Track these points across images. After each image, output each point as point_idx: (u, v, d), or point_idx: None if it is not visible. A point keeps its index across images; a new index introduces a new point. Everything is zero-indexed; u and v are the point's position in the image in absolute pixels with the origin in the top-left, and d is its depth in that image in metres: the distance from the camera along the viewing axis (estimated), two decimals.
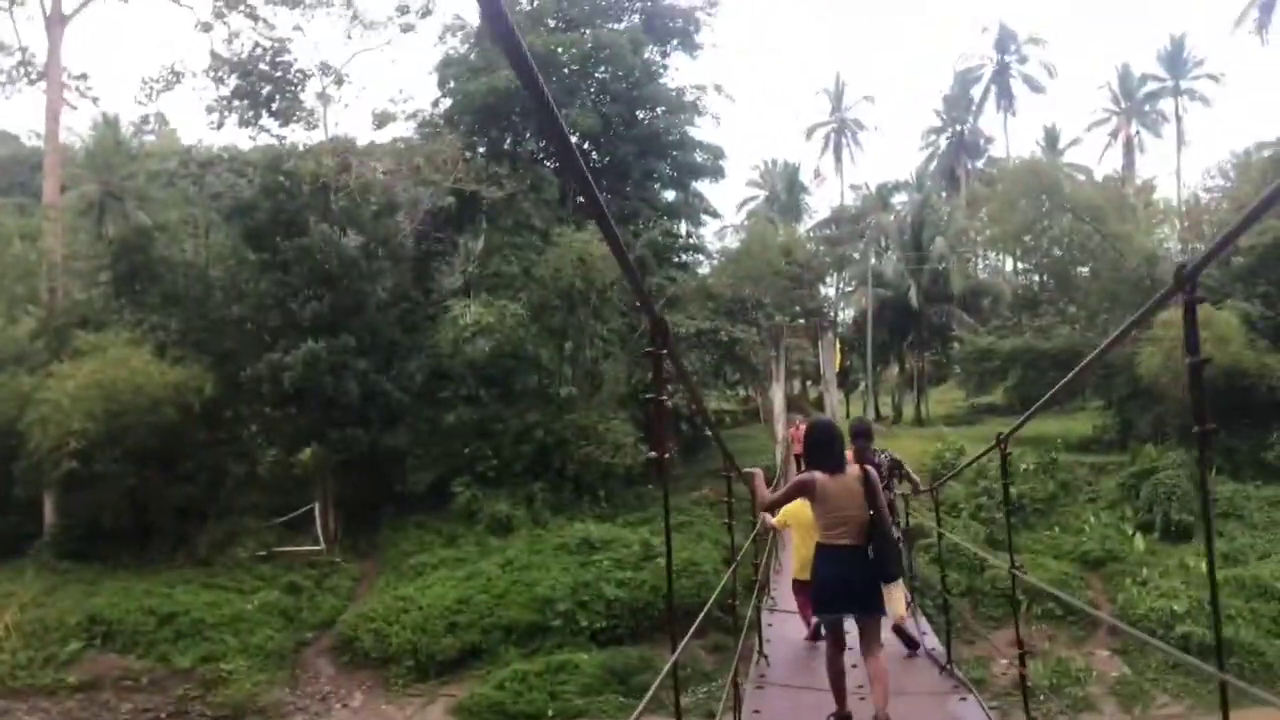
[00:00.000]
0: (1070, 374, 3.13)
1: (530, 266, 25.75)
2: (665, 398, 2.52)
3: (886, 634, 6.77)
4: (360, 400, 23.96)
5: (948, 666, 6.82)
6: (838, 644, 5.70)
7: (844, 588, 5.52)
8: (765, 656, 7.38)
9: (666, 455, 2.54)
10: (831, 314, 40.53)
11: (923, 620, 8.89)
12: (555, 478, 24.79)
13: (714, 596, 4.70)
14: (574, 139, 31.53)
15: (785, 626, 8.74)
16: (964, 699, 5.99)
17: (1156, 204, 31.72)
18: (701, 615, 4.49)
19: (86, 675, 19.07)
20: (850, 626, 5.74)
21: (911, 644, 7.79)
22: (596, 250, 24.98)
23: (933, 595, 11.11)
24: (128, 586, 21.25)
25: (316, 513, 24.67)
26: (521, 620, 19.94)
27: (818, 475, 5.58)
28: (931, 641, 7.86)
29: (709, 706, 14.97)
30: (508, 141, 30.74)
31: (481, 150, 29.68)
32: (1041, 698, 17.07)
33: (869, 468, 5.79)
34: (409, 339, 26.16)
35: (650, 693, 2.93)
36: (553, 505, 24.33)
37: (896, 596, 7.78)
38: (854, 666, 5.81)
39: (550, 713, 17.42)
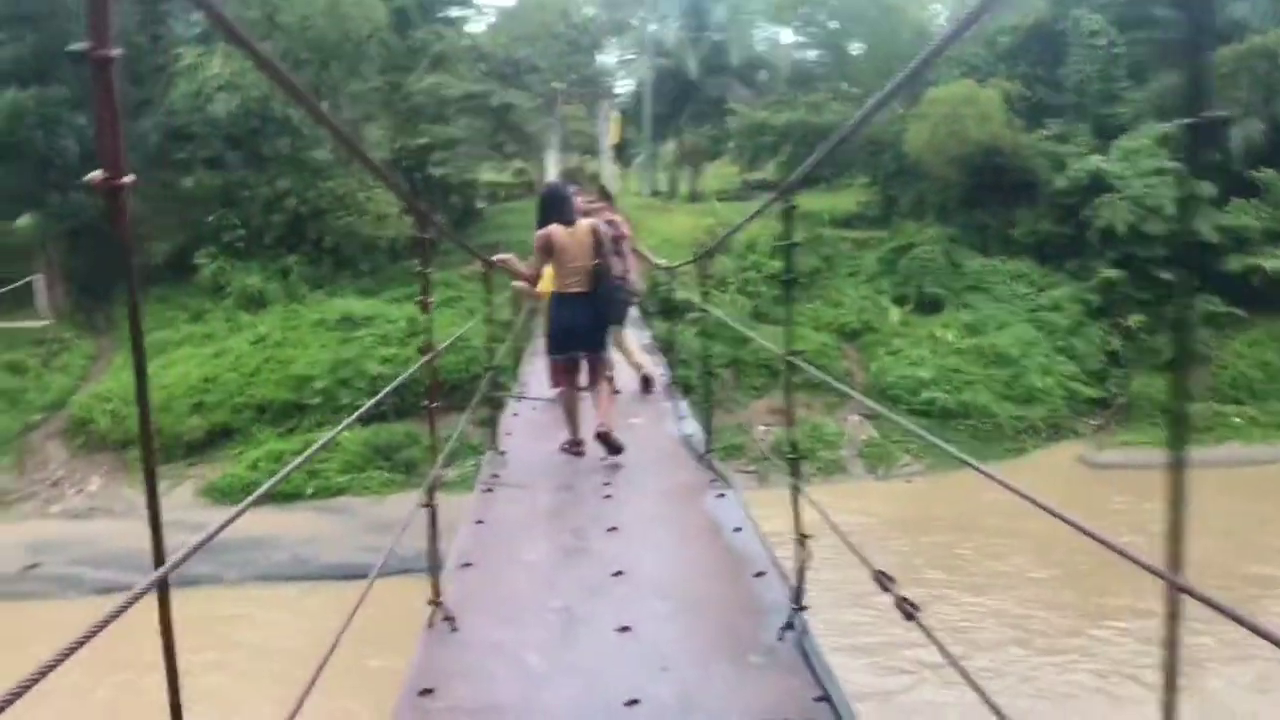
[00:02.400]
0: (864, 114, 2.42)
1: (275, 12, 22.98)
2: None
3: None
4: (81, 160, 21.19)
5: (706, 456, 6.45)
6: (572, 384, 6.41)
7: (575, 329, 6.25)
8: (502, 454, 6.87)
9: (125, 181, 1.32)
10: (610, 83, 39.12)
11: (683, 404, 8.55)
12: (312, 249, 23.15)
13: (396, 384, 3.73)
14: None
15: (533, 416, 8.23)
16: (721, 495, 5.53)
17: None
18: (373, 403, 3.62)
19: None
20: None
21: (648, 385, 8.94)
22: None
23: (695, 377, 10.92)
24: None
25: (41, 285, 22.30)
26: (276, 399, 18.85)
27: (554, 229, 6.11)
28: (691, 427, 7.52)
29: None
30: None
31: None
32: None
33: (598, 223, 6.42)
34: (138, 93, 23.14)
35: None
36: (310, 279, 22.84)
37: (629, 343, 9.07)
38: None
39: (310, 490, 16.75)
